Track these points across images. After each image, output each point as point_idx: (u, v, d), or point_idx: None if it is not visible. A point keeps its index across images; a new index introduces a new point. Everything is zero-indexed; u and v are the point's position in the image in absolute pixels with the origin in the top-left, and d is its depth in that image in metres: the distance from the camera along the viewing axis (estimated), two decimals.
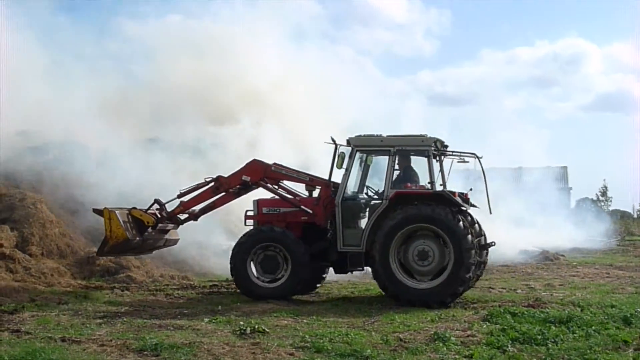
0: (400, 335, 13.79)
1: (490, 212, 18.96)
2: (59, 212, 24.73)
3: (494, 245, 19.41)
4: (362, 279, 22.57)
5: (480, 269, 19.31)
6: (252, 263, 18.76)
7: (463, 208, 18.37)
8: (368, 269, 18.70)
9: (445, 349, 12.67)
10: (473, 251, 17.71)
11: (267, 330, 14.15)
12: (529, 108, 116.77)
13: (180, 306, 17.55)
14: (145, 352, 12.38)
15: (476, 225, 18.89)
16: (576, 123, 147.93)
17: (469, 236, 17.66)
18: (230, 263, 18.85)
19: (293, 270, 18.52)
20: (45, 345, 12.75)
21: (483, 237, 19.11)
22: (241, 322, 14.65)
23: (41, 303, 17.66)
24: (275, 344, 12.90)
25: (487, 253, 19.50)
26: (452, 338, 13.35)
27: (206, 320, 15.49)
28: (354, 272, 19.81)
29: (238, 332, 13.97)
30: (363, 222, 18.68)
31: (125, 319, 15.64)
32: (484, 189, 19.17)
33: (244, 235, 19.08)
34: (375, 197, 18.87)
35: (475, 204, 18.83)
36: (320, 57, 40.33)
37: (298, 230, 19.16)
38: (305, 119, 34.40)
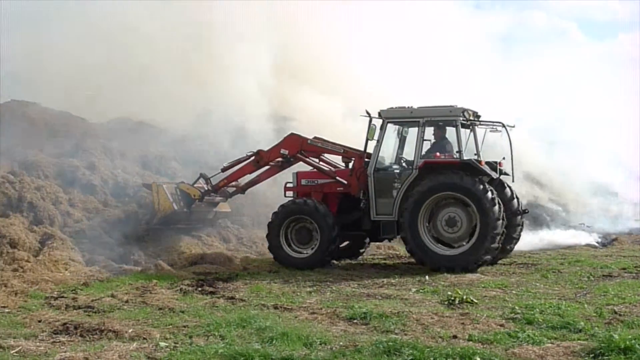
0: (615, 308, 13.29)
1: (513, 180, 19.50)
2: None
3: (528, 212, 20.27)
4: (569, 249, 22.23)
5: (516, 232, 19.71)
6: (286, 235, 19.48)
7: (491, 176, 18.61)
8: None
9: None
10: (499, 218, 17.98)
11: (476, 300, 14.05)
12: None
13: (387, 276, 17.65)
14: (354, 321, 12.55)
15: (507, 190, 19.33)
16: None
17: (495, 203, 17.92)
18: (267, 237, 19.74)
19: (321, 240, 19.06)
20: (258, 312, 13.20)
21: (516, 202, 19.50)
22: (449, 292, 14.61)
23: (253, 271, 18.31)
24: (485, 315, 12.76)
25: (522, 217, 19.89)
26: None
27: (414, 290, 15.58)
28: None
29: (446, 302, 13.97)
30: (395, 192, 18.81)
31: (334, 288, 15.97)
32: None
33: (277, 209, 19.72)
34: (407, 167, 19.11)
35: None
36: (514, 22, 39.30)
37: (335, 201, 19.82)
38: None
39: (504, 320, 12.45)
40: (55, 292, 15.44)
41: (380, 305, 13.67)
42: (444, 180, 18.10)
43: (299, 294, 15.33)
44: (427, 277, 17.20)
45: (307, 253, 19.32)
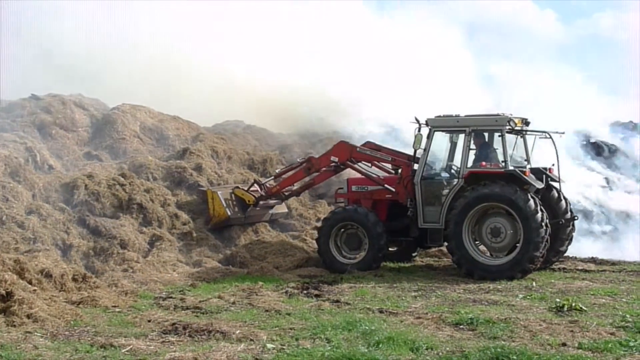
0: None
1: (560, 187, 19.22)
2: None
3: (577, 219, 19.97)
4: None
5: (564, 243, 19.46)
6: (335, 241, 19.45)
7: (535, 186, 18.18)
8: None
9: None
10: (542, 230, 17.63)
11: (585, 308, 13.81)
12: None
13: (493, 281, 17.41)
14: (461, 326, 12.50)
15: (557, 197, 19.15)
16: None
17: (538, 214, 17.61)
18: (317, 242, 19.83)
19: (370, 248, 19.07)
20: (364, 316, 13.26)
21: (567, 209, 19.31)
22: (557, 299, 14.39)
23: (358, 275, 18.26)
24: (594, 323, 12.54)
25: (572, 224, 19.56)
26: None
27: (520, 296, 15.41)
28: None
29: (554, 309, 13.76)
30: (442, 200, 18.77)
31: (439, 293, 15.91)
32: None
33: (325, 216, 20.32)
34: (453, 176, 19.03)
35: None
36: None
37: (384, 208, 19.80)
38: None
39: (614, 329, 12.24)
40: (164, 293, 15.84)
41: (487, 311, 13.56)
42: (488, 190, 17.99)
43: (404, 298, 15.32)
44: (534, 283, 16.98)
45: (355, 259, 19.31)
